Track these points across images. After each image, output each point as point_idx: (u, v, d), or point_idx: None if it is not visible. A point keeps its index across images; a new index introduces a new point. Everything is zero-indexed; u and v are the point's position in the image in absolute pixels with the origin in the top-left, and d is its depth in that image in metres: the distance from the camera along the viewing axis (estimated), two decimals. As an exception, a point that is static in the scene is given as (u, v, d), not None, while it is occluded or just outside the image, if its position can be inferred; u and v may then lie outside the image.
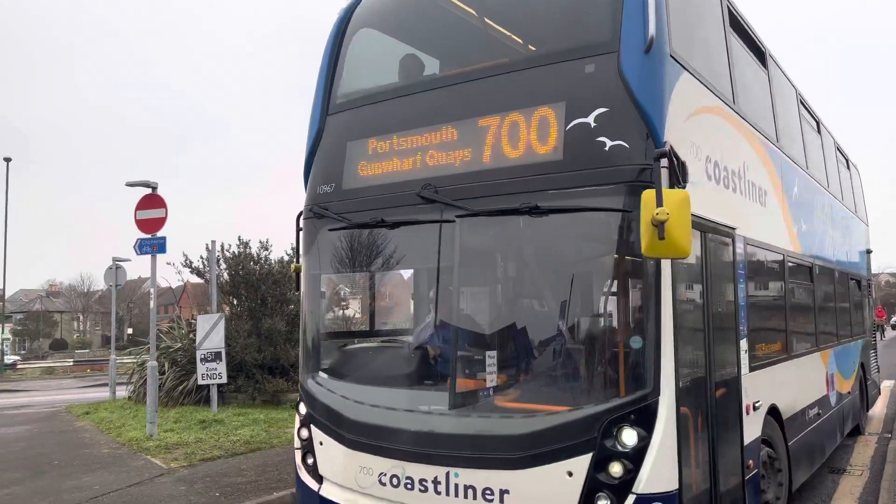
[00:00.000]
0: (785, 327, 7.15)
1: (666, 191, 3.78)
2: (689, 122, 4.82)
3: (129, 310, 58.47)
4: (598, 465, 4.09)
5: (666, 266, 4.22)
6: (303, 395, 5.49)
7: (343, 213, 5.38)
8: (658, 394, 4.13)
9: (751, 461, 5.56)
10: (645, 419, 4.10)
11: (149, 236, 11.80)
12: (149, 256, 11.91)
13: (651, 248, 3.76)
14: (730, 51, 6.06)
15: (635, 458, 4.06)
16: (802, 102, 9.25)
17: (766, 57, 7.43)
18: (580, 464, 4.11)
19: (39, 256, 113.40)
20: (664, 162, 3.99)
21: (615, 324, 4.38)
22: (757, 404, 5.81)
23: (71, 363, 45.17)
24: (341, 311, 5.55)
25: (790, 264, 7.46)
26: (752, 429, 5.71)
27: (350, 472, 4.97)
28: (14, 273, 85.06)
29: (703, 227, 4.93)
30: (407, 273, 5.17)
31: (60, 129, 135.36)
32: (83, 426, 14.55)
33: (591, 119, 4.43)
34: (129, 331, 50.44)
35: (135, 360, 19.42)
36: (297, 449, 5.46)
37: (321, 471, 5.23)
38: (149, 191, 11.90)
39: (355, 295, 5.54)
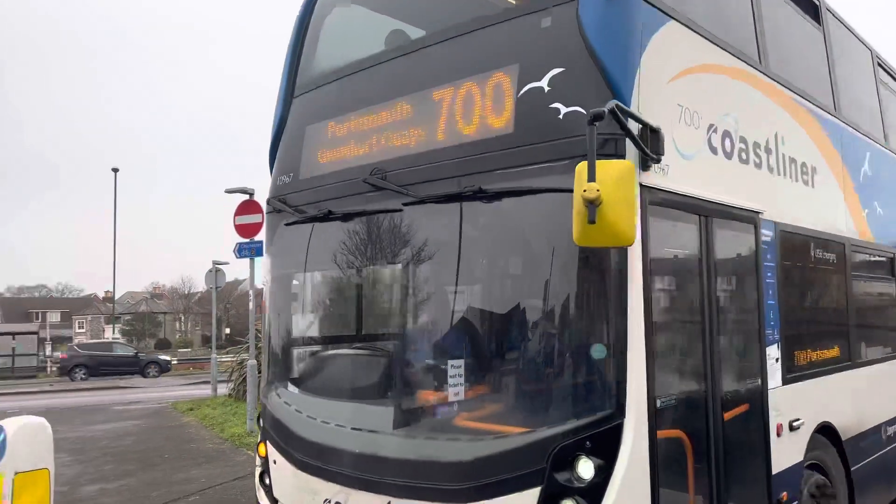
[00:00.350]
0: (846, 330, 6.02)
1: (601, 162, 2.99)
2: (678, 82, 3.96)
3: (227, 310, 60.83)
4: (548, 503, 3.33)
5: (633, 257, 3.42)
6: (262, 407, 5.00)
7: (299, 205, 4.84)
8: (622, 415, 3.33)
9: (784, 493, 4.59)
10: (605, 447, 3.31)
11: (247, 240, 12.33)
12: (247, 259, 12.47)
13: (582, 235, 2.98)
14: (756, 1, 5.07)
15: (592, 495, 3.27)
16: (881, 65, 7.92)
17: (821, 11, 6.30)
18: (527, 500, 3.37)
19: (144, 260, 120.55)
20: (608, 127, 3.20)
21: (572, 329, 3.60)
22: (795, 423, 4.82)
23: (175, 361, 47.28)
24: (301, 316, 4.99)
25: (856, 255, 6.30)
26: (788, 453, 4.73)
27: (299, 495, 4.42)
28: (122, 276, 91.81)
29: (704, 210, 4.05)
30: (366, 271, 4.55)
31: (166, 136, 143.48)
32: (188, 422, 15.34)
33: (544, 83, 3.68)
34: (227, 330, 52.44)
35: (233, 359, 20.03)
36: (258, 466, 4.96)
37: (275, 492, 4.71)
38: (246, 197, 12.41)
39: (315, 297, 4.96)
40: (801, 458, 4.92)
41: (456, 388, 3.87)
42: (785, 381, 4.80)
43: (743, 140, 4.55)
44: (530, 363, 3.74)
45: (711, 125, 4.21)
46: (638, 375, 3.38)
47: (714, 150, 4.24)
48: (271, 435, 4.73)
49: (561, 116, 3.57)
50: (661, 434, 3.55)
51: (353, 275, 4.60)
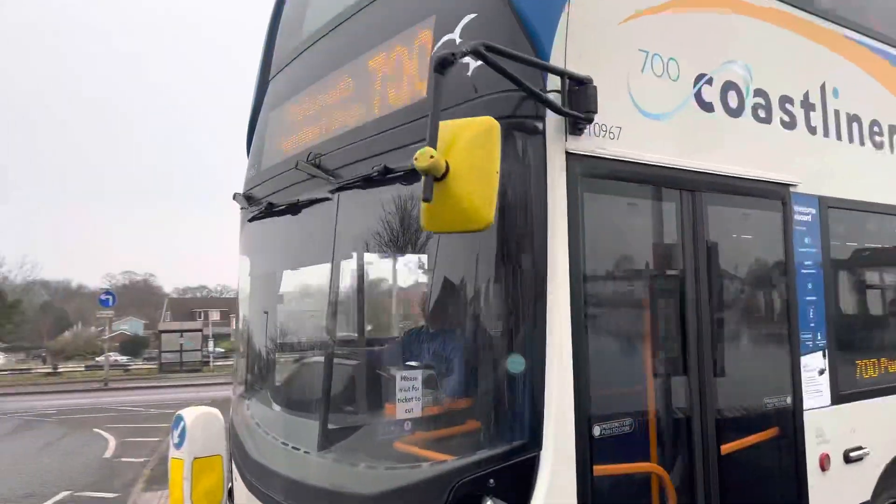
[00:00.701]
0: None
1: (448, 122, 2.31)
2: (639, 22, 3.11)
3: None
4: None
5: (556, 245, 2.68)
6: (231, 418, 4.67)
7: (258, 199, 4.44)
8: (537, 446, 2.61)
9: None
10: (514, 486, 2.60)
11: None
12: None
13: (428, 217, 2.31)
14: None
15: None
16: None
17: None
18: None
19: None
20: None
21: (480, 335, 2.90)
22: (855, 454, 3.77)
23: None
24: (253, 320, 4.60)
25: None
26: (843, 492, 3.70)
27: None
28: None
29: (688, 183, 3.18)
30: (302, 270, 4.07)
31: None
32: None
33: (457, 33, 3.02)
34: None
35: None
36: (228, 482, 4.64)
37: None
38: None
39: (263, 300, 4.52)
40: (867, 498, 3.85)
41: (376, 406, 3.30)
42: (837, 400, 3.76)
43: (761, 93, 3.59)
44: (437, 375, 3.09)
45: (702, 76, 3.32)
46: (560, 394, 2.64)
47: (707, 108, 3.34)
48: (232, 449, 4.38)
49: (469, 73, 2.89)
50: (603, 469, 2.78)
51: (293, 275, 4.15)
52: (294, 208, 3.97)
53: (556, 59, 2.78)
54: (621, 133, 2.94)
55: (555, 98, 2.73)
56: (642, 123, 3.04)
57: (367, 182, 3.29)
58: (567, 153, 2.76)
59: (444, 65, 2.31)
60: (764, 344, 3.57)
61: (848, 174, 4.05)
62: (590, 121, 2.76)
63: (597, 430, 2.75)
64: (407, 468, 2.94)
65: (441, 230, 2.35)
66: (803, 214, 3.72)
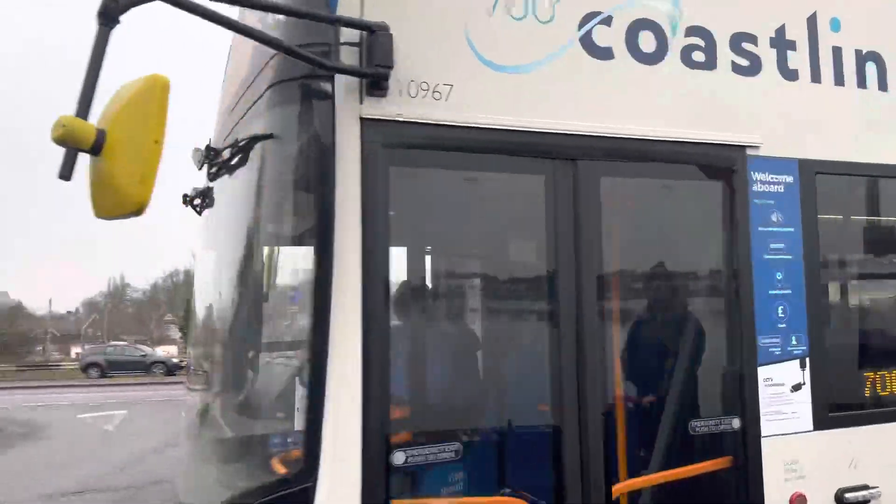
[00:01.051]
0: None
1: (122, 85, 1.93)
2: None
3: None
4: None
5: (346, 226, 2.21)
6: None
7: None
8: (311, 475, 2.16)
9: None
10: None
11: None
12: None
13: (92, 201, 1.92)
14: None
15: None
16: None
17: None
18: None
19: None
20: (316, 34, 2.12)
21: (259, 340, 2.48)
22: (853, 495, 2.89)
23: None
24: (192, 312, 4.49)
25: None
26: None
27: None
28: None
29: (561, 151, 2.54)
30: (205, 259, 3.83)
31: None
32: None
33: None
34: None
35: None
36: None
37: None
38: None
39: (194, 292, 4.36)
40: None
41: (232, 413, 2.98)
42: (824, 423, 2.89)
43: (699, 32, 2.81)
44: (237, 381, 2.70)
45: (594, 14, 2.64)
46: (343, 413, 2.17)
47: (602, 54, 2.64)
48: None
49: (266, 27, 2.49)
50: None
51: (201, 271, 3.93)
52: (202, 200, 3.76)
53: (348, 5, 2.29)
54: (452, 92, 2.39)
55: (348, 52, 2.26)
56: (491, 78, 2.46)
57: (227, 166, 2.98)
58: (362, 119, 2.27)
59: (106, 15, 1.91)
60: (689, 353, 2.80)
61: (854, 130, 3.10)
62: (384, 78, 2.25)
63: (400, 457, 2.24)
64: (223, 489, 2.61)
65: (103, 216, 1.96)
66: (770, 184, 2.89)
